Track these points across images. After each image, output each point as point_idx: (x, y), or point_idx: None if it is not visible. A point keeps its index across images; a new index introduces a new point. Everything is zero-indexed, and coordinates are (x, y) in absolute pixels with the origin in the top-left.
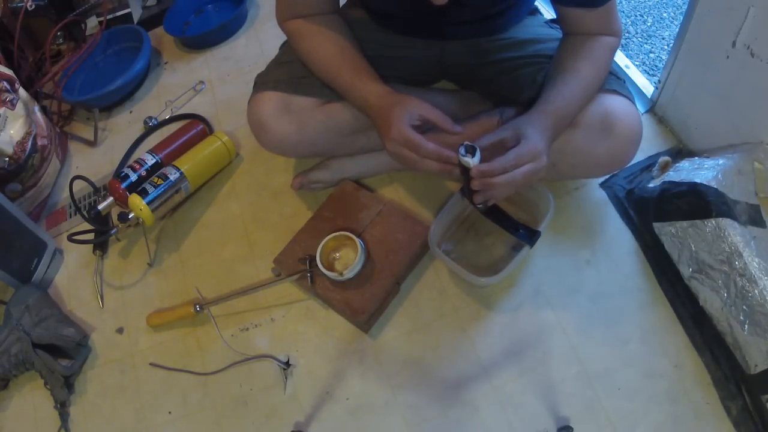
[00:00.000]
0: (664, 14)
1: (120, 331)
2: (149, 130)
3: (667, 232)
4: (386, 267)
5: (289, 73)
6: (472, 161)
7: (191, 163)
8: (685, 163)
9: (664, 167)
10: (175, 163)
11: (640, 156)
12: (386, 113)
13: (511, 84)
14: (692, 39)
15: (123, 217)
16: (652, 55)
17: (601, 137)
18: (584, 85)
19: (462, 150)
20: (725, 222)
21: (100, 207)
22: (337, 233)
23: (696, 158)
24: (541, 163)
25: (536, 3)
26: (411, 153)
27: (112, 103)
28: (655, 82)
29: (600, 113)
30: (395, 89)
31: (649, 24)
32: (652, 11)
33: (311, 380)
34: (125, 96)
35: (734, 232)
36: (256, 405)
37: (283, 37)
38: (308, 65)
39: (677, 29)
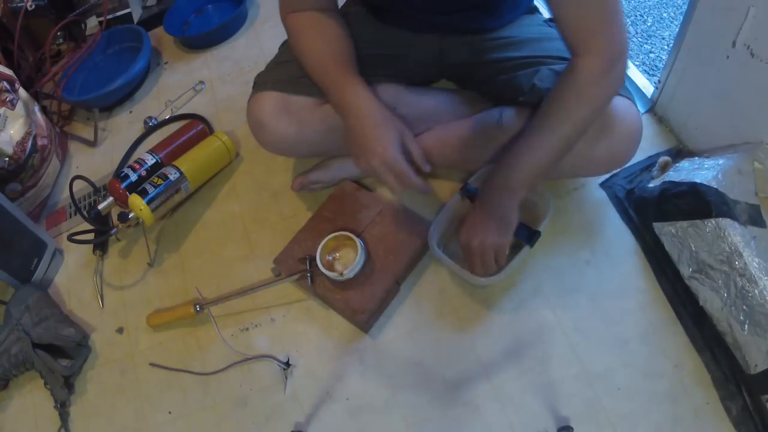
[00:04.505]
0: (664, 14)
1: (120, 331)
2: (149, 130)
3: (667, 232)
4: (386, 267)
5: (288, 72)
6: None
7: (191, 163)
8: (685, 163)
9: (664, 167)
10: (175, 163)
11: (640, 156)
12: (377, 129)
13: (510, 84)
14: (692, 39)
15: (123, 217)
16: (652, 55)
17: (601, 136)
18: (563, 132)
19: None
20: (725, 222)
21: (100, 207)
22: (337, 233)
23: (696, 158)
24: (486, 228)
25: (535, 3)
26: (390, 176)
27: (112, 103)
28: (655, 82)
29: None
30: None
31: (649, 24)
32: (652, 11)
33: (311, 380)
34: (125, 96)
35: (734, 232)
36: (256, 405)
37: (283, 37)
38: (301, 62)
39: (677, 29)
